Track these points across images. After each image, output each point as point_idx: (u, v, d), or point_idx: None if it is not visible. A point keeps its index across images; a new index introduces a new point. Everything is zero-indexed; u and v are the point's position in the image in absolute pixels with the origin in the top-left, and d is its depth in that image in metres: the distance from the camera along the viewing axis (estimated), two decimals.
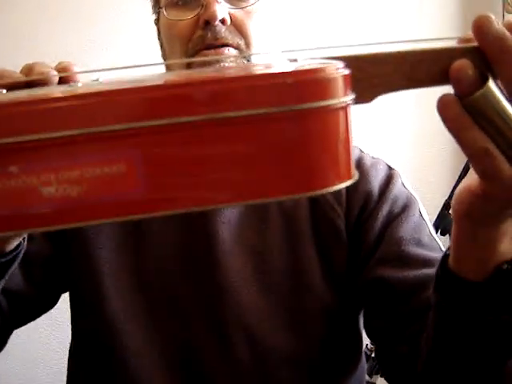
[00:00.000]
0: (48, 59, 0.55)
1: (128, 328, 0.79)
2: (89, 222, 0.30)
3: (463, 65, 0.44)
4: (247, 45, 0.79)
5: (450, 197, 1.59)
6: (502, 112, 0.44)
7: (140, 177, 0.29)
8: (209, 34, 0.76)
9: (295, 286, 0.79)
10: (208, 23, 0.76)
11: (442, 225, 1.57)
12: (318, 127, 0.32)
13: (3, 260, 0.63)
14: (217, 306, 0.78)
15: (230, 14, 0.77)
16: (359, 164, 0.82)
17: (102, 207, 0.29)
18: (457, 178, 1.60)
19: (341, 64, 0.37)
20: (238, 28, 0.78)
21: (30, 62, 0.55)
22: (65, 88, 0.36)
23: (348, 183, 0.34)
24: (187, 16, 0.78)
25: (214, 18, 0.75)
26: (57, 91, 0.33)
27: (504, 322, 0.55)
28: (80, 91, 0.32)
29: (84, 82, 0.38)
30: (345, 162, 0.34)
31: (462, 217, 0.51)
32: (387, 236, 0.78)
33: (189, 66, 0.78)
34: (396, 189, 0.81)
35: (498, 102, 0.43)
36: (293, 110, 0.31)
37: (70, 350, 0.88)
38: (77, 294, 0.85)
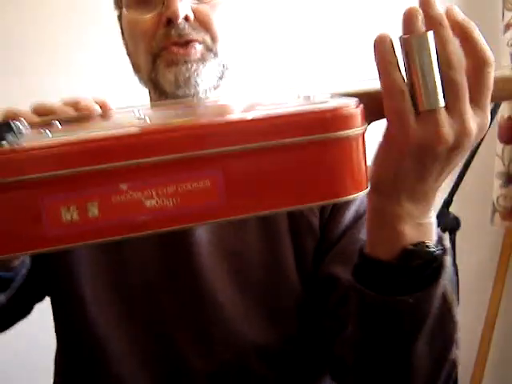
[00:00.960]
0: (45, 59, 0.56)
1: (110, 334, 0.79)
2: (181, 227, 0.39)
3: (416, 9, 0.50)
4: (213, 39, 0.77)
5: (450, 195, 1.60)
6: (426, 61, 0.48)
7: (221, 189, 0.39)
8: (172, 32, 0.75)
9: (272, 283, 0.80)
10: (171, 21, 0.75)
11: (441, 223, 1.58)
12: (345, 150, 0.42)
13: (8, 275, 0.64)
14: (197, 307, 0.79)
15: (193, 9, 0.76)
16: None
17: (191, 214, 0.39)
18: (456, 175, 1.60)
19: (356, 100, 0.45)
20: (203, 23, 0.77)
21: (71, 96, 0.60)
22: (148, 122, 0.43)
23: (365, 191, 0.44)
24: (149, 14, 0.76)
25: (176, 16, 0.74)
26: (149, 125, 0.41)
27: (409, 304, 0.57)
28: (174, 124, 0.41)
29: (151, 117, 0.44)
30: (363, 175, 0.44)
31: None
32: (349, 235, 0.78)
33: (154, 62, 0.77)
34: None
35: (427, 52, 0.48)
36: (328, 138, 0.41)
37: (55, 356, 0.89)
38: (58, 306, 0.85)
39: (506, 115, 1.75)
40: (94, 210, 0.37)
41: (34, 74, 1.60)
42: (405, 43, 0.49)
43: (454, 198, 1.60)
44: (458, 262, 1.61)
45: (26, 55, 1.60)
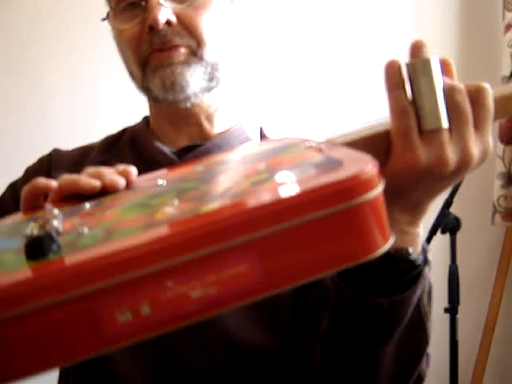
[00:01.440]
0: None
1: None
2: (225, 309, 0.41)
3: (422, 40, 0.56)
4: (198, 44, 0.76)
5: (451, 195, 1.60)
6: (429, 83, 0.53)
7: (258, 269, 0.42)
8: (155, 39, 0.74)
9: None
10: (152, 28, 0.74)
11: (442, 223, 1.58)
12: (370, 210, 0.44)
13: None
14: None
15: (176, 12, 0.75)
16: None
17: (234, 297, 0.41)
18: None
19: (370, 159, 0.46)
20: (187, 27, 0.75)
21: (94, 169, 0.58)
22: (180, 211, 0.45)
23: (390, 242, 0.45)
24: (132, 22, 0.76)
25: (156, 22, 0.73)
26: (183, 219, 0.44)
27: (383, 306, 0.58)
28: (206, 211, 0.43)
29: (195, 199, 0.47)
30: (387, 226, 0.45)
31: None
32: None
33: (143, 69, 0.77)
34: None
35: (431, 74, 0.53)
36: (353, 204, 0.43)
37: None
38: None
39: None
40: (145, 309, 0.40)
41: (34, 74, 1.60)
42: (411, 66, 0.54)
43: (455, 199, 1.60)
44: (458, 262, 1.61)
45: (26, 55, 1.60)
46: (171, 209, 0.46)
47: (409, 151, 0.52)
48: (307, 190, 0.43)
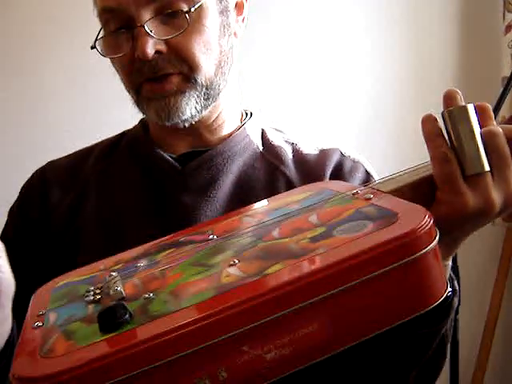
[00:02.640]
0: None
1: None
2: (298, 368, 0.43)
3: (455, 89, 0.59)
4: (191, 69, 0.73)
5: None
6: (468, 129, 0.55)
7: (328, 328, 0.43)
8: (145, 69, 0.72)
9: None
10: (141, 58, 0.71)
11: None
12: (430, 262, 0.45)
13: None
14: None
15: (166, 40, 0.71)
16: (338, 170, 0.82)
17: (306, 355, 0.43)
18: None
19: (424, 210, 0.47)
20: (178, 53, 0.72)
21: None
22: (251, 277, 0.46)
23: (449, 290, 0.48)
24: (121, 50, 0.73)
25: (144, 56, 0.70)
26: (249, 280, 0.45)
27: (415, 339, 0.61)
28: (271, 273, 0.45)
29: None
30: (444, 275, 0.46)
31: None
32: None
33: (137, 95, 0.76)
34: None
35: (469, 121, 0.55)
36: (413, 259, 0.44)
37: None
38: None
39: (506, 116, 1.74)
40: (223, 374, 0.42)
41: (34, 74, 1.60)
42: (448, 114, 0.57)
43: None
44: (459, 262, 1.61)
45: (26, 55, 1.60)
46: (235, 269, 0.47)
47: (456, 197, 0.54)
48: (370, 249, 0.43)
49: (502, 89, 1.52)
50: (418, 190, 0.56)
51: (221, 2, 0.76)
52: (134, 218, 0.80)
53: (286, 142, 0.86)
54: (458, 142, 0.55)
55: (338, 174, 0.82)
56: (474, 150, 0.54)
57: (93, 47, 0.77)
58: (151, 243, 0.63)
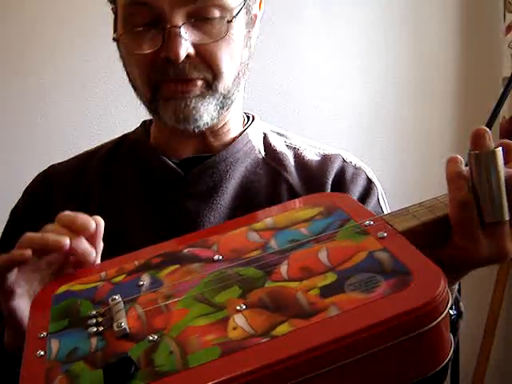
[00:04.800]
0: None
1: None
2: None
3: (485, 128, 0.54)
4: (214, 76, 0.74)
5: None
6: (494, 175, 0.52)
7: None
8: (171, 71, 0.71)
9: None
10: (170, 59, 0.70)
11: None
12: (441, 329, 0.44)
13: None
14: None
15: (195, 44, 0.71)
16: (340, 176, 0.82)
17: None
18: None
19: (440, 272, 0.46)
20: (205, 60, 0.72)
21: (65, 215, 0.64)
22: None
23: (452, 347, 0.46)
24: (147, 47, 0.72)
25: (177, 59, 0.70)
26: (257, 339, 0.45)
27: None
28: (280, 334, 0.45)
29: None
30: (450, 337, 0.46)
31: None
32: None
33: (154, 94, 0.75)
34: (370, 206, 0.81)
35: (496, 167, 0.52)
36: (427, 328, 0.43)
37: None
38: None
39: (507, 116, 1.75)
40: None
41: (34, 74, 1.60)
42: (475, 158, 0.53)
43: None
44: None
45: (25, 55, 1.60)
46: (242, 320, 0.47)
47: (470, 243, 0.53)
48: (383, 322, 0.43)
49: (502, 89, 1.52)
50: (433, 230, 0.55)
51: (247, 14, 0.77)
52: (136, 223, 0.80)
53: (287, 146, 0.86)
54: (481, 187, 0.52)
55: (340, 180, 0.82)
56: (497, 197, 0.52)
57: (115, 40, 0.76)
58: (153, 248, 0.62)
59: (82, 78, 1.62)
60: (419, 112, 1.88)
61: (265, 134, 0.87)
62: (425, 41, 1.88)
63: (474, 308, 1.88)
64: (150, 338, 0.47)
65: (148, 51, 0.72)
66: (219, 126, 0.81)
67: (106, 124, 1.62)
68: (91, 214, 0.71)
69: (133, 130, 0.90)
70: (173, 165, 0.80)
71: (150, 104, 0.77)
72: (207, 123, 0.76)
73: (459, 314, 0.63)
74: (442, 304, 0.44)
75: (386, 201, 0.85)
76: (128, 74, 0.79)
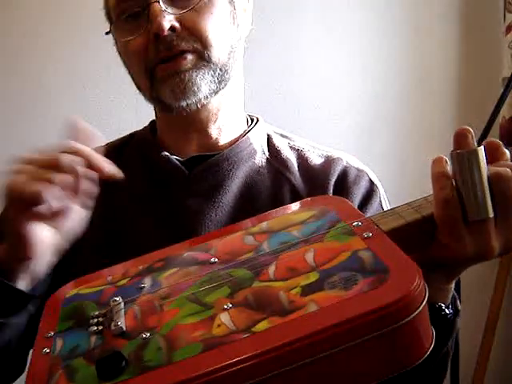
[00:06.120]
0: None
1: None
2: None
3: (467, 128, 0.55)
4: (204, 46, 0.76)
5: None
6: (477, 174, 0.53)
7: None
8: (161, 47, 0.74)
9: None
10: (158, 36, 0.73)
11: None
12: (417, 322, 0.45)
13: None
14: None
15: (179, 18, 0.74)
16: (343, 178, 0.83)
17: None
18: None
19: (417, 268, 0.47)
20: (191, 31, 0.75)
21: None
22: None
23: (433, 339, 0.47)
24: (136, 32, 0.75)
25: (161, 29, 0.73)
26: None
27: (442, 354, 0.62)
28: (261, 330, 0.46)
29: None
30: (430, 329, 0.47)
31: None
32: None
33: (151, 80, 0.77)
34: (372, 208, 0.82)
35: (478, 165, 0.53)
36: (403, 323, 0.44)
37: None
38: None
39: (507, 116, 1.75)
40: None
41: (34, 74, 1.60)
42: (457, 157, 0.54)
43: None
44: None
45: (26, 55, 1.60)
46: (227, 317, 0.49)
47: (455, 242, 0.53)
48: (353, 318, 0.44)
49: (502, 89, 1.52)
50: (419, 229, 0.56)
51: None
52: (139, 220, 0.80)
53: (291, 148, 0.87)
54: (464, 185, 0.53)
55: (343, 182, 0.82)
56: (481, 195, 0.53)
57: (107, 33, 0.79)
58: (157, 253, 0.64)
59: (81, 78, 1.62)
60: (419, 112, 1.88)
61: (268, 136, 0.88)
62: (425, 41, 1.88)
63: (474, 308, 1.88)
64: (143, 335, 0.49)
65: (137, 35, 0.75)
66: (221, 111, 0.82)
67: (105, 124, 1.62)
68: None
69: (141, 128, 0.91)
70: (177, 162, 0.81)
71: (151, 92, 0.79)
72: (206, 96, 0.77)
73: (456, 313, 0.62)
74: (416, 299, 0.45)
75: (388, 203, 0.85)
76: (127, 67, 0.81)
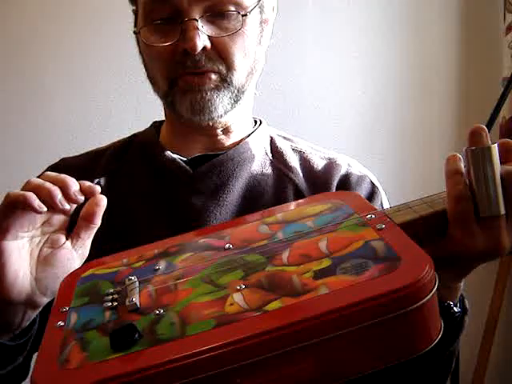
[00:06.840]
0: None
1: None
2: None
3: (482, 126, 0.56)
4: (229, 69, 0.77)
5: None
6: (490, 171, 0.54)
7: (316, 369, 0.45)
8: (188, 63, 0.75)
9: None
10: (187, 52, 0.74)
11: None
12: (427, 309, 0.46)
13: (13, 343, 0.66)
14: None
15: (212, 38, 0.75)
16: (345, 180, 0.84)
17: None
18: None
19: (427, 258, 0.48)
20: (219, 53, 0.76)
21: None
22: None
23: (442, 328, 0.47)
24: (166, 40, 0.76)
25: (194, 49, 0.73)
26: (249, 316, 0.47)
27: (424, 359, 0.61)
28: (271, 310, 0.47)
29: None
30: (438, 318, 0.47)
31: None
32: None
33: (171, 87, 0.78)
34: None
35: (492, 163, 0.54)
36: (411, 309, 0.45)
37: None
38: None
39: (507, 116, 1.75)
40: None
41: (34, 74, 1.60)
42: (472, 153, 0.55)
43: None
44: None
45: (26, 55, 1.60)
46: (239, 297, 0.50)
47: (467, 237, 0.54)
48: (364, 300, 0.45)
49: (502, 89, 1.52)
50: (431, 224, 0.57)
51: (260, 14, 0.81)
52: (144, 219, 0.81)
53: (294, 150, 0.88)
54: (477, 182, 0.54)
55: (345, 184, 0.84)
56: (493, 192, 0.54)
57: (135, 33, 0.80)
58: (172, 239, 0.66)
59: (81, 78, 1.62)
60: (419, 112, 1.88)
61: (272, 138, 0.89)
62: (425, 41, 1.88)
63: (474, 308, 1.87)
64: (157, 312, 0.51)
65: (167, 44, 0.75)
66: (230, 122, 0.83)
67: (105, 124, 1.62)
68: None
69: (142, 130, 0.91)
70: (181, 162, 0.82)
71: (167, 97, 0.79)
72: (221, 116, 0.78)
73: (464, 311, 0.64)
74: (426, 286, 0.45)
75: (389, 205, 0.85)
76: (146, 67, 0.82)
